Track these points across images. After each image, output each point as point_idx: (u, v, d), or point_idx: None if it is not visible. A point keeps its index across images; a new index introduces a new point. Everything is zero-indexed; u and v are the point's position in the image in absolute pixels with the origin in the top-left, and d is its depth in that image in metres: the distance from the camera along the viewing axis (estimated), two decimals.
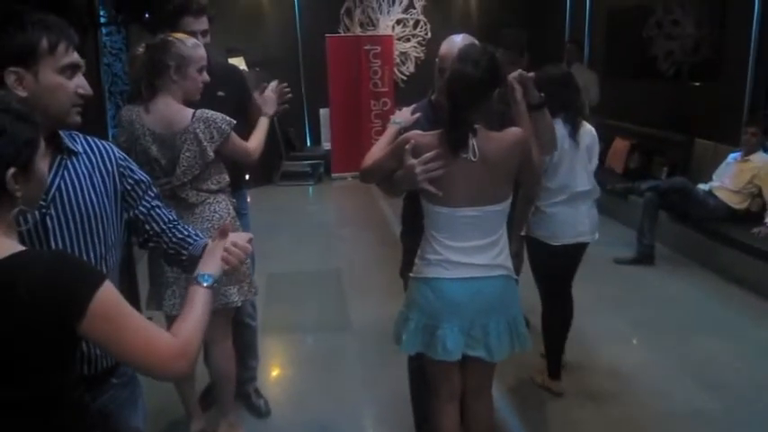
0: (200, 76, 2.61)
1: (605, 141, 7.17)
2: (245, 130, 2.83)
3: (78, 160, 1.63)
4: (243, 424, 3.18)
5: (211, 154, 2.58)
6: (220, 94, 2.85)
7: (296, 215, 7.36)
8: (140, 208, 1.76)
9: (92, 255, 1.62)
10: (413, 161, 2.18)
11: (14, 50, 1.45)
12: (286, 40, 9.08)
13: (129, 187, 1.73)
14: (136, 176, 1.75)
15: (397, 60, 9.32)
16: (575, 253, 3.38)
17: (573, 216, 3.28)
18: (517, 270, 2.88)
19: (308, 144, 9.48)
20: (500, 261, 2.29)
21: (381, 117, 8.75)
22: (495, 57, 2.20)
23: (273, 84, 2.97)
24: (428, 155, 2.17)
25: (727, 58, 6.00)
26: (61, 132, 1.62)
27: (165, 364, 1.32)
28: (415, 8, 9.37)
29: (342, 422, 3.30)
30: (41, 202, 1.53)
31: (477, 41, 2.45)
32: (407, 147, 2.20)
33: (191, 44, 2.59)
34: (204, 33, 2.90)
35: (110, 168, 1.69)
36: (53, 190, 1.56)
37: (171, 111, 2.56)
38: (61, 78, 1.51)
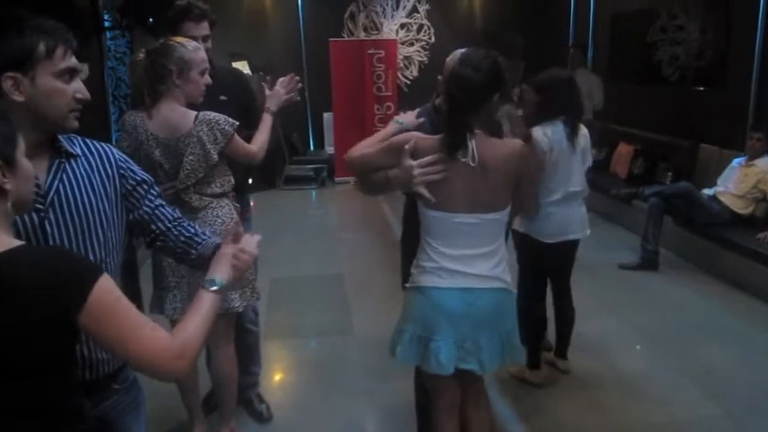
0: (203, 78, 2.60)
1: (609, 146, 7.19)
2: (250, 133, 2.80)
3: (77, 163, 1.62)
4: (244, 429, 3.17)
5: (215, 156, 2.58)
6: (222, 98, 2.84)
7: (299, 219, 7.36)
8: (144, 208, 1.75)
9: (91, 258, 1.61)
10: (411, 162, 2.15)
11: (11, 55, 1.44)
12: (290, 45, 9.09)
13: (130, 188, 1.72)
14: (137, 177, 1.73)
15: (401, 65, 9.32)
16: (566, 250, 3.47)
17: (566, 215, 3.37)
18: None
19: (312, 148, 9.48)
20: (497, 273, 2.25)
21: (385, 121, 8.69)
22: (498, 62, 2.18)
23: (283, 79, 2.94)
24: (428, 158, 2.14)
25: (732, 62, 5.98)
26: (59, 136, 1.61)
27: (162, 364, 1.32)
28: (418, 12, 9.37)
29: (344, 428, 3.29)
30: (39, 206, 1.53)
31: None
32: (407, 147, 2.17)
33: (191, 47, 2.58)
34: (205, 39, 2.86)
35: (109, 170, 1.68)
36: (51, 193, 1.55)
37: (175, 115, 2.55)
38: (59, 83, 1.50)
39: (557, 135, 3.27)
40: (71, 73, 1.53)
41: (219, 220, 2.64)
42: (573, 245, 3.48)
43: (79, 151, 1.64)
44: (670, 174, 6.30)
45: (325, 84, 8.77)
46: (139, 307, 1.83)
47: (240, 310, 2.80)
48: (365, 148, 2.34)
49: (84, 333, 1.28)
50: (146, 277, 3.18)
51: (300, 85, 3.00)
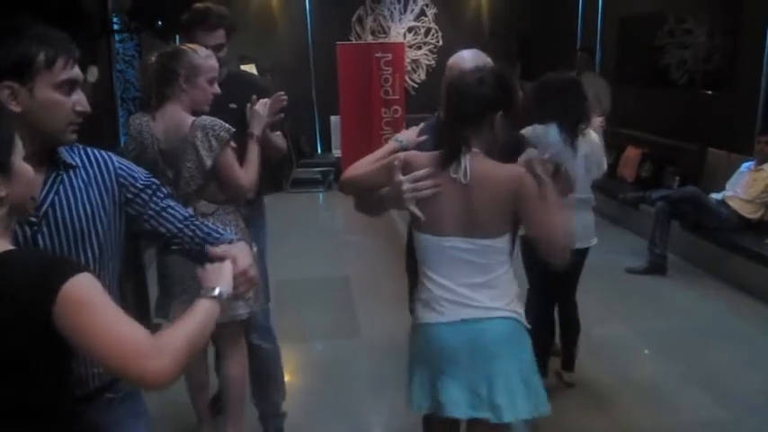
0: (211, 87, 2.56)
1: (617, 150, 7.17)
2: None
3: (75, 174, 1.58)
4: None
5: (209, 163, 2.49)
6: (232, 106, 2.75)
7: (306, 222, 7.37)
8: (149, 212, 1.68)
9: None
10: (401, 177, 2.02)
11: (9, 64, 1.40)
12: (297, 48, 9.11)
13: (131, 196, 1.66)
14: (139, 184, 1.67)
15: (409, 68, 9.33)
16: (572, 259, 3.36)
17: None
18: None
19: (319, 151, 9.50)
20: (501, 305, 2.04)
21: (392, 125, 8.75)
22: (506, 79, 2.06)
23: (263, 101, 2.76)
24: (419, 172, 2.00)
25: (741, 66, 5.96)
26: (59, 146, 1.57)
27: (138, 362, 1.22)
28: (426, 16, 9.38)
29: (349, 430, 3.28)
30: (33, 219, 1.49)
31: (488, 59, 2.37)
32: (396, 163, 2.04)
33: (203, 54, 2.56)
34: (218, 48, 2.75)
35: (107, 180, 1.63)
36: (45, 206, 1.51)
37: (175, 119, 2.53)
38: (58, 95, 1.46)
39: (549, 139, 3.17)
40: (71, 85, 1.48)
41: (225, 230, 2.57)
42: (578, 254, 3.35)
43: (78, 161, 1.60)
44: (677, 178, 6.28)
45: (332, 87, 8.78)
46: (146, 311, 1.82)
47: (245, 317, 2.72)
48: (362, 167, 2.21)
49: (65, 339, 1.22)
50: (152, 278, 3.19)
51: (285, 102, 2.81)
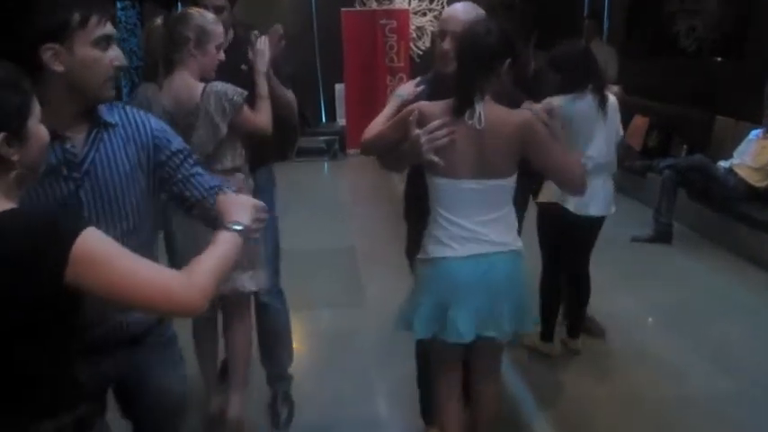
0: (218, 54, 2.53)
1: (624, 119, 7.09)
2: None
3: (114, 132, 1.66)
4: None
5: (224, 130, 2.49)
6: (244, 67, 2.75)
7: (311, 191, 7.35)
8: (179, 176, 1.76)
9: (123, 226, 1.66)
10: (417, 132, 2.14)
11: (47, 27, 1.47)
12: (301, 15, 9.00)
13: (164, 158, 1.74)
14: (172, 147, 1.75)
15: (413, 35, 9.22)
16: (586, 226, 3.39)
17: (590, 187, 3.24)
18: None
19: (324, 120, 9.45)
20: (508, 239, 2.23)
21: None
22: (508, 32, 2.18)
23: (263, 38, 2.77)
24: (433, 124, 2.13)
25: (751, 34, 5.87)
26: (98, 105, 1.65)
27: (169, 299, 1.29)
28: None
29: (355, 398, 3.32)
30: (75, 175, 1.58)
31: (480, 9, 2.44)
32: (411, 118, 2.16)
33: (211, 19, 2.52)
34: (218, 10, 2.71)
35: (144, 140, 1.71)
36: (87, 163, 1.60)
37: (185, 86, 2.48)
38: (96, 51, 1.53)
39: (585, 105, 3.24)
40: (107, 41, 1.55)
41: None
42: (594, 221, 3.40)
43: (117, 120, 1.68)
44: (685, 146, 6.24)
45: (336, 55, 8.70)
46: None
47: (253, 288, 2.73)
48: (376, 128, 2.35)
49: (85, 292, 1.26)
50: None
51: (281, 31, 2.85)
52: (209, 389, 3.02)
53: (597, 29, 7.61)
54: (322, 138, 8.91)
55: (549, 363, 3.57)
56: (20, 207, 1.31)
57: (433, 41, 9.20)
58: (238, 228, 1.51)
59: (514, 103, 2.26)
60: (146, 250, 1.68)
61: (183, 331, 2.42)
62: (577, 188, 2.35)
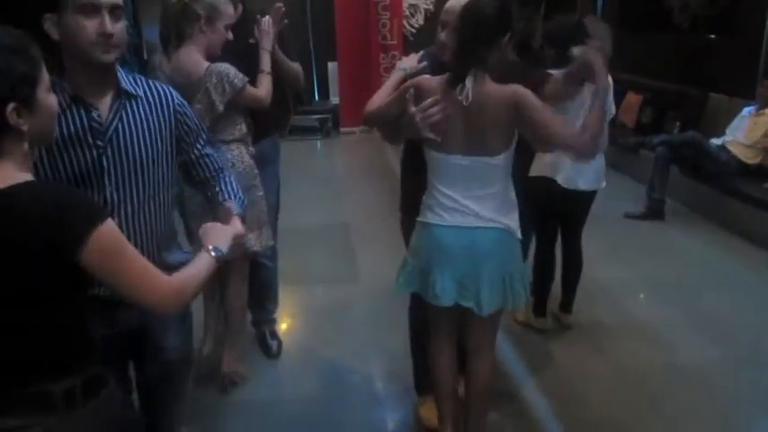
0: (226, 33, 2.70)
1: (618, 95, 7.09)
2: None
3: (137, 103, 1.74)
4: (249, 364, 3.29)
5: (220, 108, 2.67)
6: (252, 41, 2.92)
7: (304, 169, 7.33)
8: (191, 155, 1.90)
9: (141, 192, 1.75)
10: (413, 109, 2.18)
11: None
12: None
13: (183, 133, 1.85)
14: (190, 123, 1.87)
15: (407, 12, 9.14)
16: (576, 200, 3.42)
17: (576, 163, 3.28)
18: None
19: (317, 98, 9.40)
20: (497, 216, 2.25)
21: (390, 70, 8.57)
22: (510, 8, 2.19)
23: (266, 18, 2.94)
24: (427, 102, 2.16)
25: (745, 10, 5.86)
26: (122, 76, 1.73)
27: (160, 301, 1.39)
28: None
29: (350, 373, 3.34)
30: (99, 143, 1.66)
31: None
32: (407, 96, 2.21)
33: (223, 0, 2.69)
34: None
35: (167, 113, 1.80)
36: (110, 131, 1.69)
37: (190, 61, 2.66)
38: (80, 17, 1.57)
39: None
40: (93, 8, 1.58)
41: (229, 164, 2.69)
42: (585, 196, 3.42)
43: (141, 92, 1.76)
44: (678, 123, 6.24)
45: (329, 33, 8.64)
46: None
47: (256, 249, 2.95)
48: (378, 101, 2.41)
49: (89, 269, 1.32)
50: None
51: (283, 9, 2.99)
52: (206, 336, 3.25)
53: (591, 4, 7.58)
54: (315, 116, 8.86)
55: (541, 335, 3.60)
56: (39, 180, 1.37)
57: (427, 19, 9.17)
58: (217, 253, 1.58)
59: (514, 76, 2.23)
60: (165, 216, 1.85)
61: None
62: (586, 152, 2.30)
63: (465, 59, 2.15)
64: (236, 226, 1.74)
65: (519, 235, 2.34)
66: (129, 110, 1.72)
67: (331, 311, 3.98)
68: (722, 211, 5.23)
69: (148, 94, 1.78)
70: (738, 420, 2.99)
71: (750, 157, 5.13)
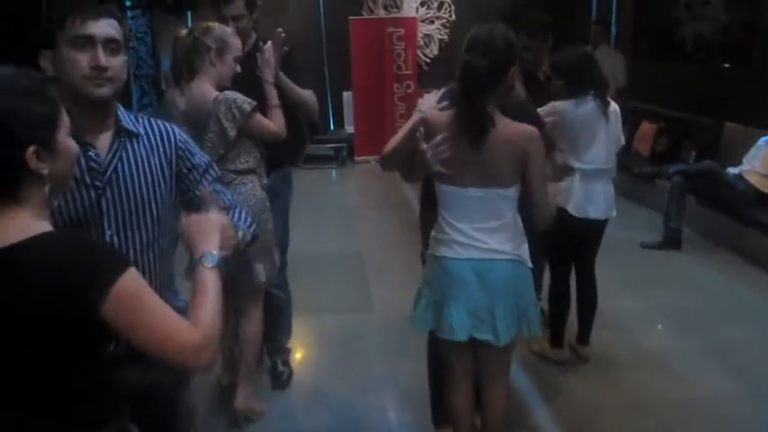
0: (235, 65, 2.74)
1: (632, 124, 7.09)
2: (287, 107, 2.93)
3: (138, 142, 1.67)
4: (262, 397, 3.24)
5: (233, 134, 2.70)
6: (260, 73, 2.89)
7: (319, 198, 7.36)
8: (197, 192, 1.78)
9: (144, 235, 1.66)
10: (424, 146, 2.20)
11: (43, 34, 1.53)
12: (309, 23, 9.03)
13: (186, 171, 1.76)
14: (194, 160, 1.79)
15: (421, 43, 9.23)
16: (588, 229, 3.40)
17: (587, 192, 3.34)
18: None
19: (332, 127, 9.47)
20: (508, 248, 2.27)
21: (405, 100, 8.70)
22: (506, 37, 2.18)
23: (267, 46, 2.87)
24: (437, 139, 2.18)
25: (758, 39, 5.86)
26: (122, 113, 1.66)
27: (189, 357, 1.29)
28: None
29: (363, 403, 3.32)
30: (98, 183, 1.58)
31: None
32: (417, 134, 2.23)
33: (231, 32, 2.75)
34: (237, 18, 2.94)
35: (168, 151, 1.72)
36: (110, 171, 1.61)
37: (200, 92, 2.70)
38: (72, 51, 1.53)
39: (586, 110, 3.26)
40: (85, 40, 1.53)
41: (242, 197, 2.70)
42: (596, 224, 3.43)
43: (142, 130, 1.69)
44: (694, 152, 6.21)
45: (344, 62, 8.72)
46: None
47: (263, 280, 2.92)
48: (393, 143, 2.40)
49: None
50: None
51: (283, 34, 2.89)
52: (223, 362, 3.22)
53: (604, 35, 7.62)
54: (330, 145, 8.92)
55: (557, 367, 3.56)
56: (57, 231, 1.29)
57: (441, 48, 9.24)
58: (212, 263, 1.45)
59: (525, 114, 2.30)
60: (165, 260, 1.75)
61: None
62: (542, 217, 2.30)
63: (474, 112, 2.16)
64: (219, 217, 1.60)
65: (530, 264, 2.35)
66: (129, 149, 1.65)
67: (345, 341, 3.97)
68: (740, 241, 5.18)
69: (149, 132, 1.71)
70: None
71: (767, 186, 5.09)
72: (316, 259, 5.26)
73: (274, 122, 2.82)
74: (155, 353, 1.28)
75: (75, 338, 1.24)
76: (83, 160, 1.57)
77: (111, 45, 1.56)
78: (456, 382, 2.50)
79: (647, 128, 6.96)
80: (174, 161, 1.73)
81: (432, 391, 2.93)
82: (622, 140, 3.51)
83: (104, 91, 1.57)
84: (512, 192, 2.25)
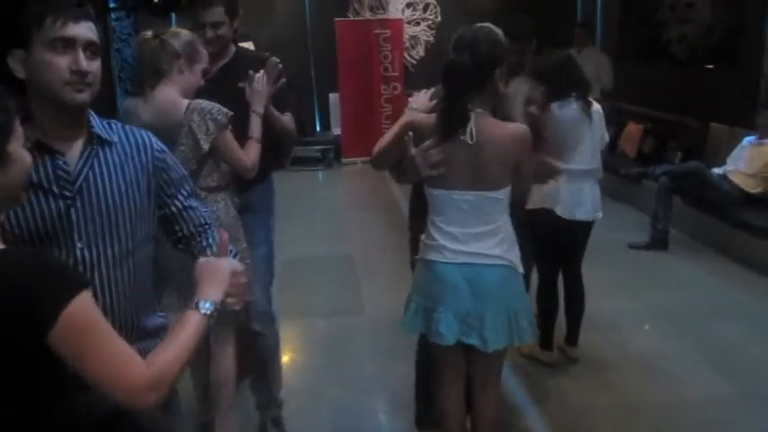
0: (200, 78, 2.49)
1: (618, 126, 7.13)
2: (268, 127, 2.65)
3: (111, 150, 1.57)
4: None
5: (206, 147, 2.40)
6: (241, 85, 2.64)
7: (306, 201, 7.34)
8: (172, 208, 1.69)
9: (116, 249, 1.55)
10: (412, 152, 2.17)
11: (13, 31, 1.40)
12: (295, 25, 9.01)
13: (162, 183, 1.66)
14: (171, 173, 1.68)
15: (407, 44, 9.24)
16: (575, 231, 3.42)
17: (573, 194, 3.35)
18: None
19: (318, 129, 9.44)
20: (499, 252, 2.24)
21: (391, 101, 8.70)
22: (493, 37, 2.17)
23: (259, 75, 2.60)
24: (425, 144, 2.16)
25: (743, 40, 5.91)
26: (94, 120, 1.56)
27: (132, 395, 1.20)
28: None
29: (354, 406, 3.31)
30: (67, 193, 1.48)
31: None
32: (406, 138, 2.19)
33: (201, 42, 2.51)
34: (216, 26, 2.66)
35: (144, 161, 1.62)
36: (80, 180, 1.50)
37: (168, 101, 2.42)
38: (49, 54, 1.42)
39: (570, 113, 3.27)
40: (66, 43, 1.43)
41: (215, 216, 2.37)
42: (582, 226, 3.44)
43: (116, 138, 1.59)
44: (680, 153, 6.25)
45: (331, 64, 8.71)
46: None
47: (237, 307, 2.63)
48: (383, 143, 2.38)
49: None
50: None
51: (281, 65, 2.67)
52: (200, 399, 2.92)
53: (588, 37, 7.65)
54: (317, 147, 8.90)
55: (548, 369, 3.56)
56: (9, 248, 1.20)
57: (427, 50, 9.25)
58: (208, 310, 1.38)
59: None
60: (141, 277, 1.63)
61: None
62: (519, 193, 2.36)
63: (454, 112, 2.14)
64: (233, 262, 1.53)
65: (521, 269, 2.33)
66: (101, 157, 1.54)
67: (335, 343, 3.95)
68: (726, 241, 5.21)
69: (124, 140, 1.60)
70: None
71: (752, 187, 5.13)
72: (304, 261, 5.24)
73: (248, 155, 2.52)
74: (100, 387, 1.19)
75: (20, 365, 1.15)
76: (50, 169, 1.47)
77: (90, 48, 1.47)
78: (447, 385, 2.49)
79: (633, 129, 7.00)
80: (150, 172, 1.62)
81: (417, 394, 2.92)
82: (607, 138, 3.53)
83: (83, 96, 1.47)
84: (502, 194, 2.22)
